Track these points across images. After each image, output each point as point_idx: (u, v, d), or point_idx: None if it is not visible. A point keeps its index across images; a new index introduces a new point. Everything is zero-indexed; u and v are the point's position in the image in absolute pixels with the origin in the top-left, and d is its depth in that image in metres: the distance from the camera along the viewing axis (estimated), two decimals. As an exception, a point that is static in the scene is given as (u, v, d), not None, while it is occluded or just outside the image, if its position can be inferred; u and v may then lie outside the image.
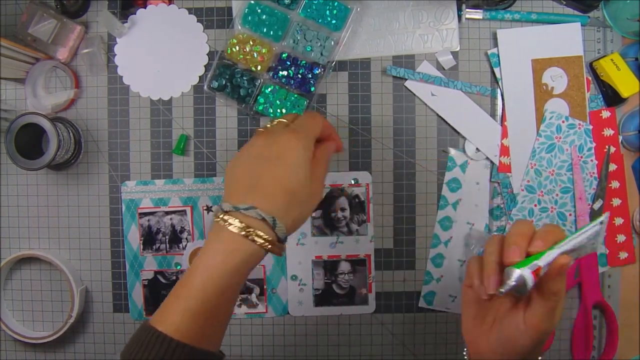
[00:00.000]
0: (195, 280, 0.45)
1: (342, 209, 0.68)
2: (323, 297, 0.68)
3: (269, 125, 0.52)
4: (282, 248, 0.48)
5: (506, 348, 0.47)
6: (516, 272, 0.44)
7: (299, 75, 0.65)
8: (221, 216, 0.46)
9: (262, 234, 0.45)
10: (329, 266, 0.68)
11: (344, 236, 0.68)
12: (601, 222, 0.46)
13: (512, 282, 0.45)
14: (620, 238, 0.67)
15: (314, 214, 0.67)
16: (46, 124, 0.62)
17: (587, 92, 0.66)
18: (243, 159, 0.50)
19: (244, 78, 0.65)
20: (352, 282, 0.68)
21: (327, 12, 0.64)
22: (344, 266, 0.68)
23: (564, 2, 0.67)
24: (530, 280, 0.44)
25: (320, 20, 0.64)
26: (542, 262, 0.45)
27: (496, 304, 0.48)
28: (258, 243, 0.45)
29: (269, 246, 0.46)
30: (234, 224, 0.45)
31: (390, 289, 0.68)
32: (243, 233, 0.45)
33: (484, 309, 0.49)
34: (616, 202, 0.67)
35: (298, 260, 0.68)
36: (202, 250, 0.47)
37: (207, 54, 0.68)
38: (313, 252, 0.68)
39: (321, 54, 0.65)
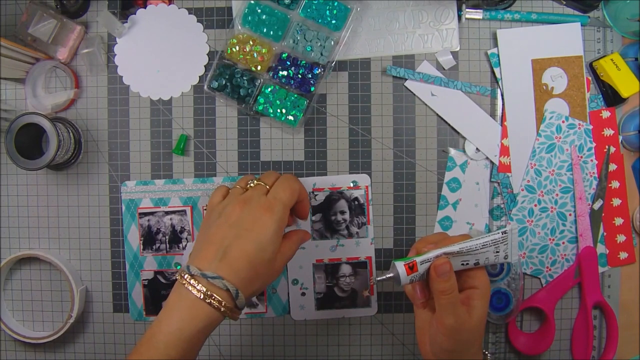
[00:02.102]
0: (159, 344, 0.47)
1: (342, 212, 0.68)
2: (325, 301, 0.68)
3: (250, 185, 0.55)
4: (239, 314, 0.51)
5: (434, 349, 0.53)
6: (392, 265, 0.51)
7: (299, 75, 0.65)
8: (187, 278, 0.49)
9: (223, 302, 0.48)
10: (330, 269, 0.68)
11: (344, 239, 0.68)
12: (503, 232, 0.50)
13: (388, 273, 0.51)
14: (620, 238, 0.67)
15: (313, 218, 0.68)
16: (46, 124, 0.62)
17: (587, 92, 0.66)
18: (218, 224, 0.52)
19: (244, 78, 0.65)
20: (354, 284, 0.68)
21: (327, 12, 0.64)
22: (345, 269, 0.68)
23: (564, 2, 0.67)
24: (402, 272, 0.50)
25: (320, 20, 0.64)
26: (419, 258, 0.51)
27: (432, 311, 0.54)
28: (219, 310, 0.48)
29: (228, 313, 0.49)
30: (199, 289, 0.48)
31: (390, 289, 0.68)
32: (207, 301, 0.48)
33: (425, 317, 0.54)
34: (616, 202, 0.67)
35: (299, 265, 0.68)
36: (165, 310, 0.49)
37: (207, 54, 0.68)
38: (314, 255, 0.68)
39: (321, 54, 0.65)
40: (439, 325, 0.51)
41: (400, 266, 0.50)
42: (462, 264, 0.52)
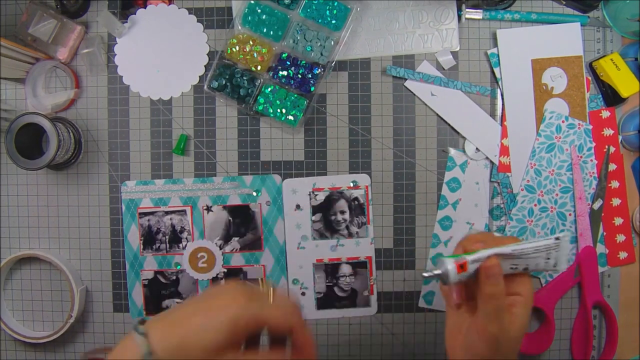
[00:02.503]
0: None
1: (342, 212, 0.68)
2: (325, 301, 0.68)
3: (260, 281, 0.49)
4: None
5: (468, 356, 0.49)
6: (441, 261, 0.47)
7: (299, 75, 0.65)
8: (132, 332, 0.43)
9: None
10: (330, 269, 0.68)
11: (344, 239, 0.68)
12: (556, 238, 0.47)
13: (436, 269, 0.47)
14: (620, 238, 0.67)
15: (313, 218, 0.68)
16: (46, 124, 0.62)
17: (587, 92, 0.67)
18: (200, 295, 0.46)
19: (244, 78, 0.65)
20: (354, 284, 0.68)
21: (327, 12, 0.64)
22: (345, 269, 0.68)
23: (564, 2, 0.67)
24: (452, 270, 0.46)
25: (320, 20, 0.64)
26: (470, 257, 0.47)
27: (468, 314, 0.50)
28: None
29: None
30: (126, 336, 0.42)
31: (390, 288, 0.68)
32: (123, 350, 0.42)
33: (460, 319, 0.50)
34: (616, 202, 0.67)
35: (299, 265, 0.68)
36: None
37: (207, 54, 0.68)
38: (314, 255, 0.68)
39: (321, 54, 0.65)
40: (481, 332, 0.47)
41: (450, 263, 0.46)
42: (511, 268, 0.48)
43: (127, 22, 0.68)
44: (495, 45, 0.67)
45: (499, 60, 0.66)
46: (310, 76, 0.65)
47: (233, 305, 0.43)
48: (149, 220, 0.68)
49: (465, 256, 0.47)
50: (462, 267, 0.47)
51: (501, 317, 0.47)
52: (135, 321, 0.46)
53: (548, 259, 0.49)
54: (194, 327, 0.43)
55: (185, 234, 0.68)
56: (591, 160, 0.67)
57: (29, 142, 0.64)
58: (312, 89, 0.65)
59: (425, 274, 0.47)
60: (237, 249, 0.68)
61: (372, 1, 0.67)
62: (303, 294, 0.68)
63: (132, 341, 0.42)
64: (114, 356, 0.43)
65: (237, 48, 0.65)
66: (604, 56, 0.65)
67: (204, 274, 0.68)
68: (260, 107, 0.66)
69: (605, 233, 0.67)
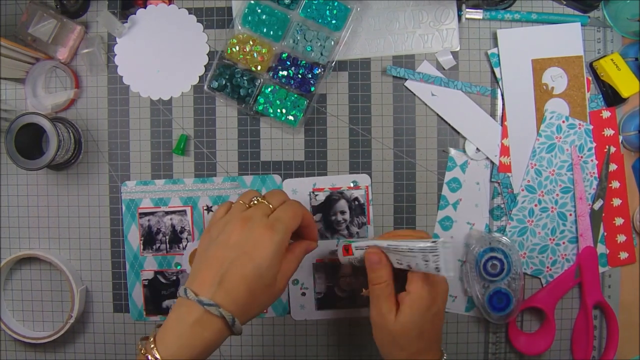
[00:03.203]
0: None
1: (342, 212, 0.68)
2: (325, 301, 0.68)
3: (254, 202, 0.54)
4: (238, 333, 0.50)
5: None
6: (339, 243, 0.56)
7: (299, 75, 0.65)
8: (184, 301, 0.49)
9: (218, 329, 0.48)
10: (330, 269, 0.68)
11: (345, 239, 0.68)
12: (433, 242, 0.48)
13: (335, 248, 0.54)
14: (620, 238, 0.67)
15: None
16: (46, 124, 0.62)
17: (587, 92, 0.66)
18: (217, 243, 0.51)
19: (244, 78, 0.65)
20: (354, 284, 0.68)
21: (327, 12, 0.64)
22: (345, 269, 0.68)
23: (564, 2, 0.67)
24: (340, 252, 0.58)
25: (320, 20, 0.64)
26: (355, 244, 0.55)
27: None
28: (213, 336, 0.48)
29: (223, 339, 0.49)
30: (195, 314, 0.47)
31: (390, 289, 0.68)
32: (201, 328, 0.47)
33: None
34: (616, 202, 0.67)
35: (299, 265, 0.68)
36: (163, 332, 0.49)
37: (207, 54, 0.68)
38: (314, 255, 0.68)
39: (321, 54, 0.65)
40: (370, 315, 0.54)
41: (340, 245, 0.57)
42: (398, 263, 0.52)
43: (127, 22, 0.68)
44: (496, 45, 0.67)
45: (499, 60, 0.66)
46: (310, 76, 0.65)
47: (266, 238, 0.50)
48: (149, 220, 0.68)
49: (352, 242, 0.56)
50: (347, 250, 0.56)
51: (379, 304, 0.52)
52: (185, 294, 0.49)
53: (427, 261, 0.49)
54: (251, 276, 0.49)
55: (185, 234, 0.68)
56: (592, 161, 0.66)
57: (29, 142, 0.64)
58: (312, 89, 0.65)
59: (331, 250, 0.60)
60: (237, 249, 0.68)
61: (372, 1, 0.67)
62: (303, 294, 0.68)
63: (204, 315, 0.47)
64: (188, 335, 0.47)
65: (237, 48, 0.65)
66: (604, 56, 0.65)
67: (204, 274, 0.68)
68: (260, 107, 0.66)
69: (605, 233, 0.67)
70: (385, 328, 0.52)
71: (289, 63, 0.65)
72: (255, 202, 0.54)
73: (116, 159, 0.69)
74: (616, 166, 0.67)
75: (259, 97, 0.65)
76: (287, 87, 0.66)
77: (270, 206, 0.53)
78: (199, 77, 0.68)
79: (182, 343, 0.47)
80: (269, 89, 0.65)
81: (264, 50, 0.65)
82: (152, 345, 0.47)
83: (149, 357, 0.46)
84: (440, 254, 0.48)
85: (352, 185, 0.68)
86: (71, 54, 0.67)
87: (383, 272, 0.52)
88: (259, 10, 0.64)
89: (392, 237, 0.54)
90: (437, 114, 0.67)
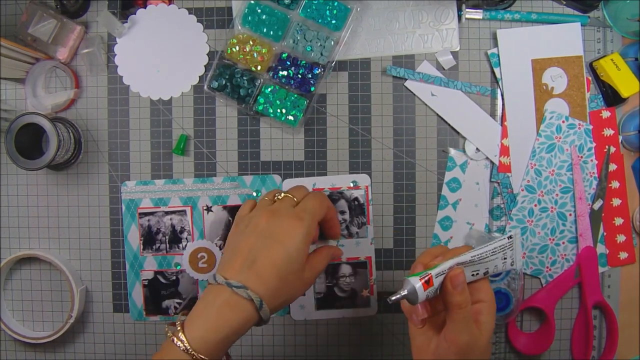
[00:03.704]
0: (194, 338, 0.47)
1: (342, 212, 0.68)
2: (325, 301, 0.68)
3: (278, 197, 0.55)
4: (264, 324, 0.50)
5: None
6: (406, 281, 0.47)
7: (299, 75, 0.65)
8: (213, 285, 0.49)
9: (245, 312, 0.48)
10: (330, 269, 0.68)
11: (344, 239, 0.68)
12: (509, 237, 0.48)
13: (402, 290, 0.47)
14: (620, 238, 0.67)
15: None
16: (46, 124, 0.62)
17: (587, 92, 0.66)
18: (246, 234, 0.52)
19: (244, 78, 0.65)
20: (354, 284, 0.68)
21: (327, 12, 0.64)
22: (345, 269, 0.68)
23: (564, 2, 0.67)
24: (420, 288, 0.46)
25: (320, 20, 0.64)
26: (434, 271, 0.47)
27: (432, 331, 0.50)
28: (240, 320, 0.48)
29: (251, 324, 0.49)
30: (224, 296, 0.48)
31: (390, 289, 0.68)
32: (229, 311, 0.48)
33: (425, 338, 0.51)
34: (616, 202, 0.67)
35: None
36: (191, 316, 0.49)
37: (207, 54, 0.68)
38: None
39: (321, 54, 0.65)
40: (451, 344, 0.47)
41: (416, 281, 0.46)
42: (473, 275, 0.49)
43: (127, 22, 0.68)
44: (496, 45, 0.67)
45: (499, 60, 0.66)
46: (310, 76, 0.65)
47: (294, 225, 0.51)
48: (149, 220, 0.68)
49: (429, 271, 0.47)
50: (427, 282, 0.47)
51: (470, 325, 0.47)
52: (214, 280, 0.49)
53: (505, 259, 0.49)
54: (281, 261, 0.50)
55: (185, 234, 0.68)
56: (591, 161, 0.67)
57: (29, 142, 0.64)
58: (312, 89, 0.65)
59: (393, 298, 0.47)
60: (237, 249, 0.68)
61: (372, 1, 0.67)
62: (303, 294, 0.68)
63: (232, 297, 0.48)
64: (215, 318, 0.47)
65: (237, 48, 0.65)
66: (604, 56, 0.65)
67: (204, 274, 0.68)
68: (260, 107, 0.66)
69: (605, 233, 0.67)
70: (477, 347, 0.48)
71: (289, 63, 0.65)
72: (279, 197, 0.55)
73: (116, 159, 0.69)
74: (616, 166, 0.67)
75: (259, 97, 0.66)
76: (287, 87, 0.66)
77: (295, 199, 0.55)
78: (199, 77, 0.68)
79: (209, 327, 0.47)
80: (269, 89, 0.65)
81: (264, 50, 0.65)
82: (179, 329, 0.47)
83: (175, 339, 0.47)
84: (515, 246, 0.48)
85: (351, 185, 0.68)
86: (71, 54, 0.67)
87: (468, 291, 0.48)
88: (259, 10, 0.64)
89: (448, 255, 0.50)
90: (437, 114, 0.67)
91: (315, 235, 0.57)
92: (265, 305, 0.48)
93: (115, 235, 0.69)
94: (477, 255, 0.48)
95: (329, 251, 0.58)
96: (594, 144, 0.66)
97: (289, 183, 0.68)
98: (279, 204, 0.54)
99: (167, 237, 0.68)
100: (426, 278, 0.46)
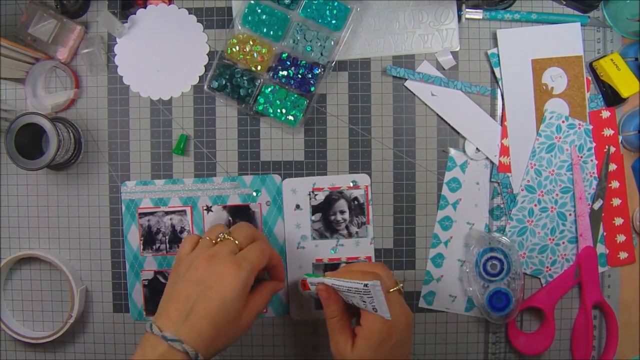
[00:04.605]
0: None
1: (342, 212, 0.68)
2: (323, 298, 0.68)
3: (221, 238, 0.55)
4: None
5: None
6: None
7: (299, 75, 0.65)
8: (150, 336, 0.50)
9: None
10: (330, 269, 0.68)
11: (344, 239, 0.68)
12: (365, 285, 0.48)
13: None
14: (620, 238, 0.67)
15: (313, 218, 0.67)
16: (46, 124, 0.62)
17: (587, 92, 0.66)
18: (184, 280, 0.52)
19: (244, 78, 0.65)
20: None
21: (327, 12, 0.64)
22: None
23: (564, 2, 0.67)
24: (299, 285, 0.63)
25: (320, 20, 0.64)
26: (310, 279, 0.57)
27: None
28: None
29: None
30: (160, 349, 0.48)
31: (390, 289, 0.68)
32: None
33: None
34: (616, 202, 0.67)
35: (298, 264, 0.68)
36: None
37: (207, 54, 0.68)
38: (313, 255, 0.68)
39: (321, 54, 0.65)
40: (332, 349, 0.55)
41: (300, 280, 0.61)
42: (346, 299, 0.55)
43: (127, 22, 0.68)
44: (496, 45, 0.67)
45: (499, 60, 0.66)
46: (310, 76, 0.65)
47: (232, 274, 0.51)
48: (148, 220, 0.68)
49: (307, 277, 0.57)
50: (304, 285, 0.59)
51: (335, 337, 0.54)
52: (151, 329, 0.50)
53: (364, 301, 0.51)
54: (216, 311, 0.50)
55: (185, 234, 0.68)
56: (591, 161, 0.67)
57: (29, 142, 0.64)
58: (312, 89, 0.65)
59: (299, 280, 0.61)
60: (237, 249, 0.68)
61: (372, 1, 0.67)
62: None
63: (169, 350, 0.48)
64: None
65: (237, 48, 0.65)
66: (604, 56, 0.65)
67: (204, 274, 0.68)
68: (260, 107, 0.66)
69: (605, 233, 0.67)
70: None
71: (289, 63, 0.65)
72: (221, 237, 0.55)
73: (116, 159, 0.69)
74: (616, 166, 0.67)
75: (259, 97, 0.66)
76: (287, 87, 0.66)
77: (237, 242, 0.55)
78: (199, 77, 0.68)
79: None
80: (269, 89, 0.65)
81: (264, 50, 0.65)
82: None
83: None
84: (374, 296, 0.49)
85: (351, 185, 0.68)
86: (71, 54, 0.67)
87: (334, 307, 0.54)
88: (259, 10, 0.64)
89: (345, 272, 0.56)
90: (437, 114, 0.67)
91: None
92: (201, 356, 0.49)
93: (115, 235, 0.69)
94: (336, 285, 0.52)
95: (269, 290, 0.58)
96: (594, 144, 0.66)
97: (289, 183, 0.68)
98: (219, 247, 0.54)
99: (167, 237, 0.68)
100: (304, 281, 0.59)
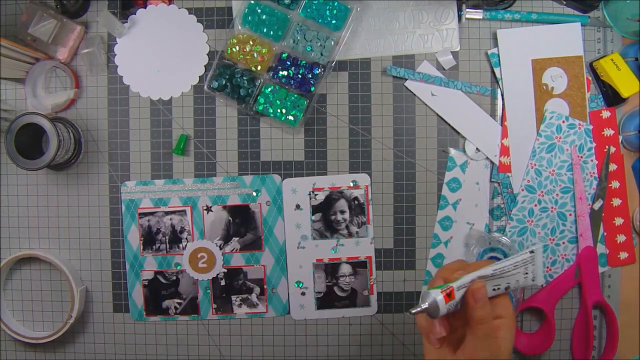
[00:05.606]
0: None
1: (342, 212, 0.68)
2: (325, 300, 0.68)
3: None
4: None
5: None
6: (427, 294, 0.45)
7: (299, 75, 0.65)
8: None
9: None
10: (330, 269, 0.68)
11: (344, 239, 0.68)
12: (531, 252, 0.46)
13: (423, 303, 0.45)
14: (620, 238, 0.67)
15: (313, 217, 0.67)
16: (46, 124, 0.62)
17: (587, 92, 0.66)
18: None
19: (244, 78, 0.65)
20: (354, 284, 0.68)
21: (327, 12, 0.64)
22: (345, 268, 0.68)
23: (564, 2, 0.67)
24: (441, 300, 0.45)
25: (320, 20, 0.64)
26: (455, 284, 0.45)
27: (449, 349, 0.48)
28: None
29: None
30: None
31: (390, 289, 0.68)
32: None
33: (440, 356, 0.49)
34: (616, 202, 0.67)
35: (299, 264, 0.68)
36: None
37: (207, 54, 0.68)
38: (314, 255, 0.68)
39: (321, 54, 0.65)
40: (468, 358, 0.46)
41: (437, 294, 0.45)
42: (494, 289, 0.47)
43: (127, 22, 0.68)
44: (496, 45, 0.67)
45: (499, 60, 0.66)
46: (310, 76, 0.65)
47: None
48: (148, 220, 0.68)
49: (451, 284, 0.46)
50: (449, 295, 0.45)
51: (490, 341, 0.46)
52: None
53: (526, 273, 0.48)
54: None
55: (185, 234, 0.68)
56: (591, 161, 0.66)
57: (29, 142, 0.64)
58: (312, 89, 0.65)
59: (414, 311, 0.45)
60: (237, 249, 0.68)
61: (372, 1, 0.67)
62: (303, 293, 0.68)
63: None
64: None
65: (237, 48, 0.65)
66: (604, 56, 0.65)
67: (204, 274, 0.68)
68: (260, 107, 0.66)
69: (605, 233, 0.67)
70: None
71: (289, 63, 0.65)
72: None
73: (116, 159, 0.69)
74: (616, 166, 0.67)
75: (259, 97, 0.66)
76: (287, 87, 0.66)
77: None
78: (199, 77, 0.68)
79: None
80: (269, 89, 0.65)
81: (264, 50, 0.65)
82: None
83: None
84: (537, 262, 0.47)
85: (351, 184, 0.68)
86: (71, 54, 0.67)
87: (489, 306, 0.46)
88: (259, 10, 0.64)
89: (469, 269, 0.48)
90: (437, 114, 0.67)
91: None
92: None
93: (115, 235, 0.69)
94: (499, 268, 0.47)
95: None
96: (594, 144, 0.66)
97: (289, 183, 0.68)
98: None
99: (167, 237, 0.68)
100: (448, 291, 0.45)
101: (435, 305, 0.45)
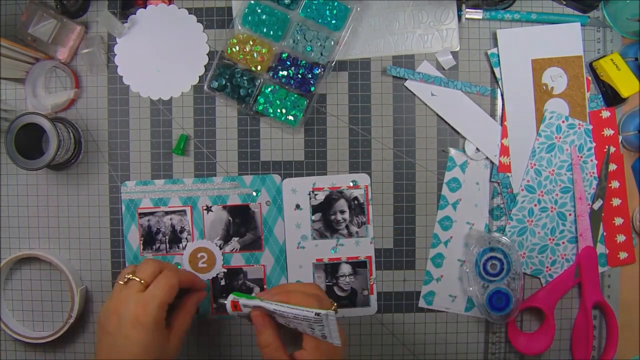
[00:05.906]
0: None
1: (342, 212, 0.68)
2: (323, 298, 0.68)
3: (121, 283, 0.55)
4: None
5: None
6: (230, 295, 0.54)
7: (299, 75, 0.65)
8: None
9: None
10: (330, 269, 0.68)
11: (344, 238, 0.68)
12: (316, 314, 0.47)
13: (226, 300, 0.54)
14: (620, 238, 0.67)
15: (313, 217, 0.67)
16: (46, 124, 0.62)
17: (587, 92, 0.66)
18: (103, 335, 0.53)
19: (244, 78, 0.65)
20: (353, 284, 0.68)
21: (327, 12, 0.64)
22: (345, 268, 0.68)
23: (564, 2, 0.67)
24: (228, 304, 0.54)
25: (320, 20, 0.64)
26: (242, 300, 0.53)
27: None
28: None
29: None
30: None
31: (390, 289, 0.68)
32: None
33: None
34: (616, 202, 0.67)
35: (299, 264, 0.68)
36: None
37: (207, 54, 0.68)
38: (314, 255, 0.68)
39: (321, 54, 0.65)
40: None
41: (229, 299, 0.54)
42: (285, 324, 0.52)
43: (127, 22, 0.68)
44: (495, 45, 0.67)
45: (499, 60, 0.66)
46: (310, 76, 0.65)
47: (141, 316, 0.52)
48: (148, 220, 0.68)
49: (239, 298, 0.53)
50: (235, 306, 0.53)
51: None
52: None
53: (312, 329, 0.49)
54: (139, 354, 0.51)
55: (185, 234, 0.68)
56: (591, 161, 0.67)
57: (29, 142, 0.64)
58: (312, 89, 0.65)
59: (220, 300, 0.60)
60: (237, 249, 0.68)
61: (372, 1, 0.67)
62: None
63: None
64: None
65: (237, 48, 0.65)
66: (604, 56, 0.65)
67: (204, 274, 0.68)
68: (260, 107, 0.66)
69: (605, 233, 0.67)
70: None
71: (289, 63, 0.65)
72: (126, 280, 0.55)
73: (116, 159, 0.69)
74: (616, 166, 0.67)
75: (259, 97, 0.66)
76: (287, 87, 0.66)
77: (142, 281, 0.55)
78: (199, 77, 0.68)
79: None
80: (269, 89, 0.65)
81: (264, 50, 0.65)
82: None
83: None
84: (325, 325, 0.48)
85: (351, 184, 0.68)
86: (71, 54, 0.67)
87: (269, 332, 0.52)
88: (259, 10, 0.64)
89: (282, 294, 0.53)
90: (437, 114, 0.67)
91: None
92: None
93: (115, 235, 0.69)
94: (279, 310, 0.49)
95: (192, 303, 0.59)
96: (594, 144, 0.66)
97: (289, 182, 0.68)
98: (126, 292, 0.54)
99: (167, 237, 0.68)
100: (235, 302, 0.53)
101: (224, 305, 0.55)
